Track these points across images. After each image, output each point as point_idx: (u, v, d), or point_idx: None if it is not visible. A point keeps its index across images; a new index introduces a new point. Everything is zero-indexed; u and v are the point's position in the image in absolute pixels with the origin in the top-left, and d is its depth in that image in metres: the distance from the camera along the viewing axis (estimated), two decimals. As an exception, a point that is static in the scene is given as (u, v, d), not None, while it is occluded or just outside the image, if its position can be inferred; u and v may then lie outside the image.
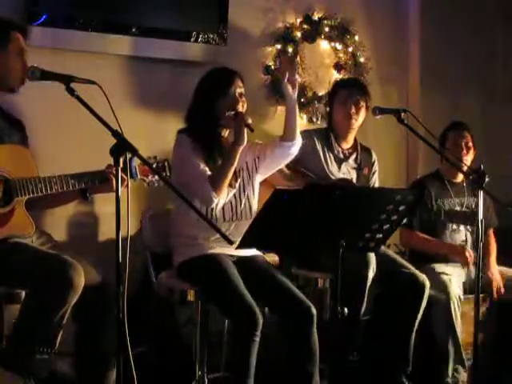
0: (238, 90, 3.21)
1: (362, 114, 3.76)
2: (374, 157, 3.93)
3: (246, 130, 3.12)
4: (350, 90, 3.76)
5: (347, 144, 3.83)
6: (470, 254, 3.75)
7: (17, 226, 2.75)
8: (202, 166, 3.13)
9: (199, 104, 3.24)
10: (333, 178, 3.71)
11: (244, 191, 3.26)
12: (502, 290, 3.81)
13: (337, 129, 3.80)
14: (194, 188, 3.10)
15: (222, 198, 3.14)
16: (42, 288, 2.62)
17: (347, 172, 3.78)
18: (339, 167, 3.76)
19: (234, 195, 3.22)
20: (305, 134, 3.70)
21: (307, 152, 3.66)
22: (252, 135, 3.20)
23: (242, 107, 3.20)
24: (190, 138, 3.17)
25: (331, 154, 3.76)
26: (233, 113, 3.16)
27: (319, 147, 3.74)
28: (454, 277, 3.75)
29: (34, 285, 2.65)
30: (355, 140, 3.86)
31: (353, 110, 3.73)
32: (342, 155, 3.80)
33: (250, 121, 3.14)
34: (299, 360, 3.05)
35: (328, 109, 3.98)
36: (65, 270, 2.61)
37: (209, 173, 3.12)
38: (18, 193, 2.70)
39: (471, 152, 3.95)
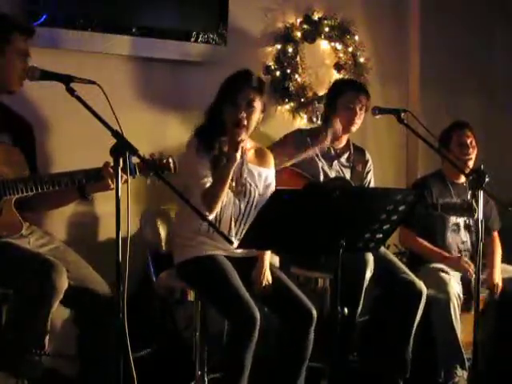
0: (246, 100, 3.06)
1: (363, 117, 3.76)
2: (368, 156, 3.92)
3: (240, 146, 3.00)
4: (357, 94, 3.69)
5: (340, 143, 3.81)
6: (468, 263, 3.73)
7: (5, 225, 2.74)
8: (204, 178, 3.05)
9: (212, 106, 3.16)
10: (327, 174, 3.69)
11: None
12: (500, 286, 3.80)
13: None
14: (194, 194, 3.06)
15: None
16: (24, 289, 2.62)
17: (339, 170, 3.76)
18: (331, 165, 3.74)
19: None
20: (296, 133, 3.75)
21: (301, 150, 3.66)
22: (252, 136, 3.19)
23: (243, 120, 3.03)
24: (197, 141, 3.09)
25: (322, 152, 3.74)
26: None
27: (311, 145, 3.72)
28: (453, 275, 3.75)
29: (17, 285, 2.65)
30: (348, 140, 3.85)
31: (357, 116, 3.69)
32: (333, 152, 3.77)
33: (243, 136, 3.01)
34: (290, 358, 3.06)
35: (327, 107, 3.83)
36: (46, 271, 2.60)
37: (207, 185, 3.05)
38: (5, 192, 2.69)
39: (475, 151, 3.95)
